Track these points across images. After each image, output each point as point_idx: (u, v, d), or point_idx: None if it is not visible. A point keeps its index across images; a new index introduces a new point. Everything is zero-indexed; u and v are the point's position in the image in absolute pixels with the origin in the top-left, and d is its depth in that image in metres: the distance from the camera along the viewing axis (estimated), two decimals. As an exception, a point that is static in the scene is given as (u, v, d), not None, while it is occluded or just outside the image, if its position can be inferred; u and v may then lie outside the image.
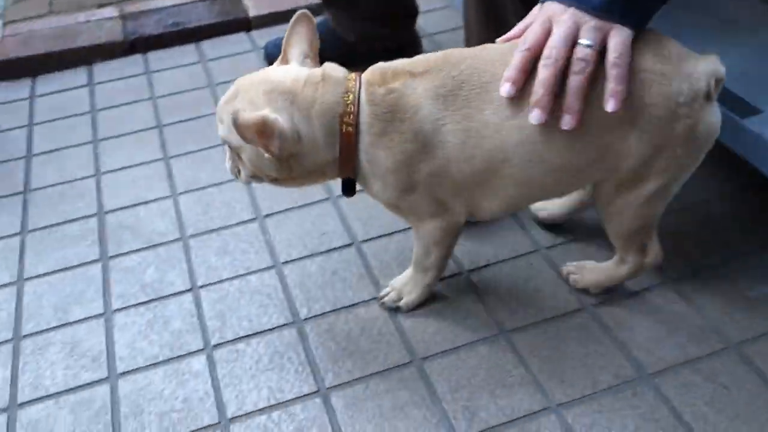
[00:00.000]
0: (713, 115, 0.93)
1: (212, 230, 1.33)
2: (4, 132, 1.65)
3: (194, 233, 1.33)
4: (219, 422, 1.01)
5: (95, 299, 1.22)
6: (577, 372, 1.04)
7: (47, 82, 1.82)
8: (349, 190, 1.05)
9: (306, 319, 1.15)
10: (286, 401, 1.03)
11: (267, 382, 1.06)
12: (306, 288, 1.21)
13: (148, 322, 1.17)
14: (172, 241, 1.32)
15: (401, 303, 1.15)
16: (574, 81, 0.88)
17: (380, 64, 1.00)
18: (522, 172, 0.95)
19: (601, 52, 0.89)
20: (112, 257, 1.29)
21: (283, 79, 0.98)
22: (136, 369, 1.10)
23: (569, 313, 1.13)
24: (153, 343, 1.13)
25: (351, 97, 0.96)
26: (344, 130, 0.96)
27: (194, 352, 1.12)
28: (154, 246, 1.31)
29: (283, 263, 1.25)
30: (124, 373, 1.09)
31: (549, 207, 1.27)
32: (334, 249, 1.28)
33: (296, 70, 1.00)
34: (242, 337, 1.13)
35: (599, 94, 0.89)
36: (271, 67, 1.03)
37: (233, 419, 1.01)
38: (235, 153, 1.02)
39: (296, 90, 0.96)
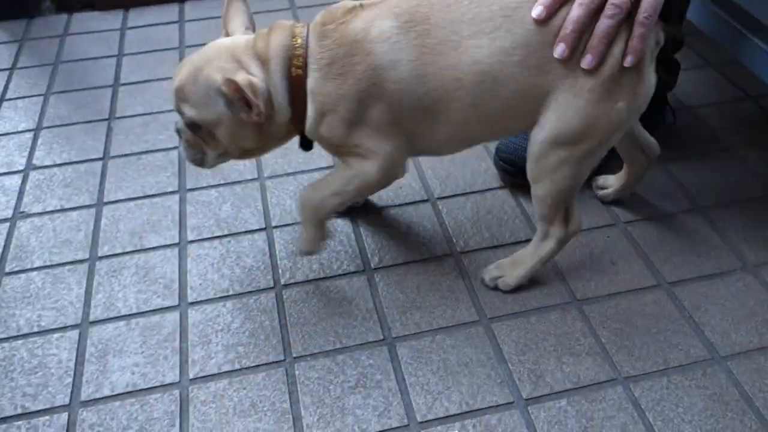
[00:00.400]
0: (651, 76, 0.95)
1: (289, 174, 1.34)
2: (94, 60, 1.69)
3: (271, 175, 1.34)
4: (284, 360, 1.03)
5: (171, 229, 1.24)
6: (648, 348, 1.01)
7: (139, 16, 1.85)
8: (306, 143, 1.05)
9: (376, 268, 1.16)
10: (352, 347, 1.04)
11: (334, 327, 1.07)
12: (378, 238, 1.21)
13: (220, 255, 1.19)
14: (249, 180, 1.33)
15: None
16: (604, 24, 0.89)
17: (328, 8, 1.00)
18: (472, 96, 0.94)
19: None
20: (189, 190, 1.32)
21: (237, 43, 0.99)
22: (207, 300, 1.12)
23: (644, 289, 1.10)
24: (224, 277, 1.15)
25: (299, 40, 0.96)
26: (293, 74, 0.96)
27: (264, 289, 1.13)
28: (231, 183, 1.33)
29: (357, 211, 1.26)
30: (194, 303, 1.11)
31: (609, 184, 1.24)
32: (410, 203, 1.27)
33: (241, 36, 1.01)
34: (312, 279, 1.14)
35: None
36: (215, 41, 1.02)
37: (298, 358, 1.03)
38: (206, 132, 1.00)
39: (251, 47, 0.97)
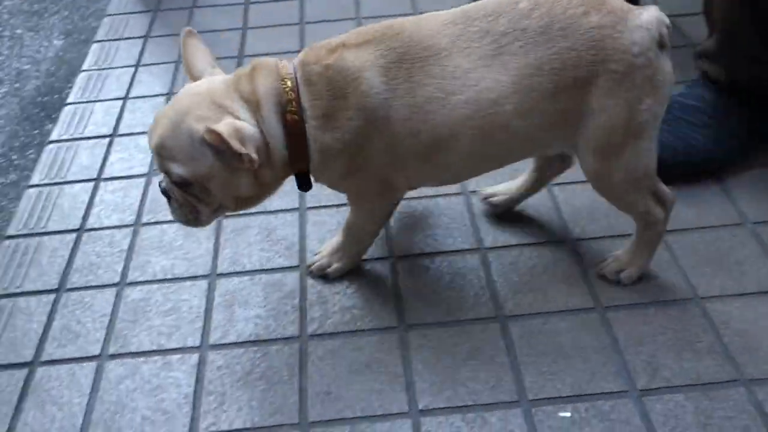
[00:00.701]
0: (667, 63, 0.93)
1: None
2: (220, 31, 1.77)
3: (389, 149, 1.37)
4: (398, 326, 1.05)
5: (291, 194, 1.29)
6: (775, 352, 0.98)
7: (264, -9, 1.92)
8: (304, 184, 1.00)
9: (490, 248, 1.16)
10: (464, 321, 1.05)
11: (446, 300, 1.09)
12: (492, 219, 1.21)
13: (338, 223, 1.22)
14: (368, 153, 1.36)
15: (330, 269, 1.11)
16: None
17: (312, 45, 0.96)
18: (471, 146, 0.93)
19: None
20: (310, 159, 1.36)
21: (215, 87, 0.92)
22: (325, 264, 1.16)
23: (772, 293, 1.06)
24: (341, 244, 1.19)
25: (289, 83, 0.91)
26: (289, 119, 0.91)
27: (379, 258, 1.16)
28: (350, 155, 1.36)
29: (471, 192, 1.27)
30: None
31: (499, 191, 1.21)
32: (525, 187, 1.27)
33: (216, 78, 0.95)
34: (426, 253, 1.16)
35: (551, 59, 0.89)
36: (186, 86, 0.96)
37: (411, 326, 1.05)
38: (199, 188, 0.93)
39: (233, 89, 0.91)
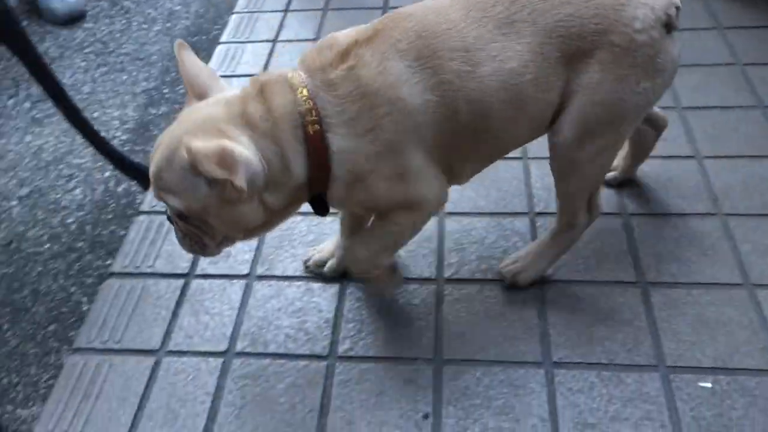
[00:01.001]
0: (674, 47, 0.89)
1: (551, 109, 1.35)
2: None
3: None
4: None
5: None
6: None
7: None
8: (322, 207, 0.90)
9: (633, 214, 1.14)
10: (602, 282, 1.04)
11: (585, 260, 1.08)
12: (636, 186, 1.19)
13: (479, 179, 1.22)
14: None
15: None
16: None
17: (313, 49, 0.86)
18: (504, 120, 0.88)
19: None
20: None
21: (214, 111, 0.82)
22: (463, 213, 1.17)
23: None
24: (480, 196, 1.20)
25: (305, 91, 0.82)
26: (311, 132, 0.81)
27: (518, 213, 1.16)
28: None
29: (615, 157, 1.24)
30: (452, 213, 1.17)
31: (613, 166, 1.17)
32: (673, 157, 1.23)
33: (217, 98, 0.84)
34: (565, 213, 1.16)
35: (557, 26, 0.86)
36: (187, 109, 0.86)
37: (548, 283, 1.05)
38: (200, 221, 0.84)
39: (237, 112, 0.81)
